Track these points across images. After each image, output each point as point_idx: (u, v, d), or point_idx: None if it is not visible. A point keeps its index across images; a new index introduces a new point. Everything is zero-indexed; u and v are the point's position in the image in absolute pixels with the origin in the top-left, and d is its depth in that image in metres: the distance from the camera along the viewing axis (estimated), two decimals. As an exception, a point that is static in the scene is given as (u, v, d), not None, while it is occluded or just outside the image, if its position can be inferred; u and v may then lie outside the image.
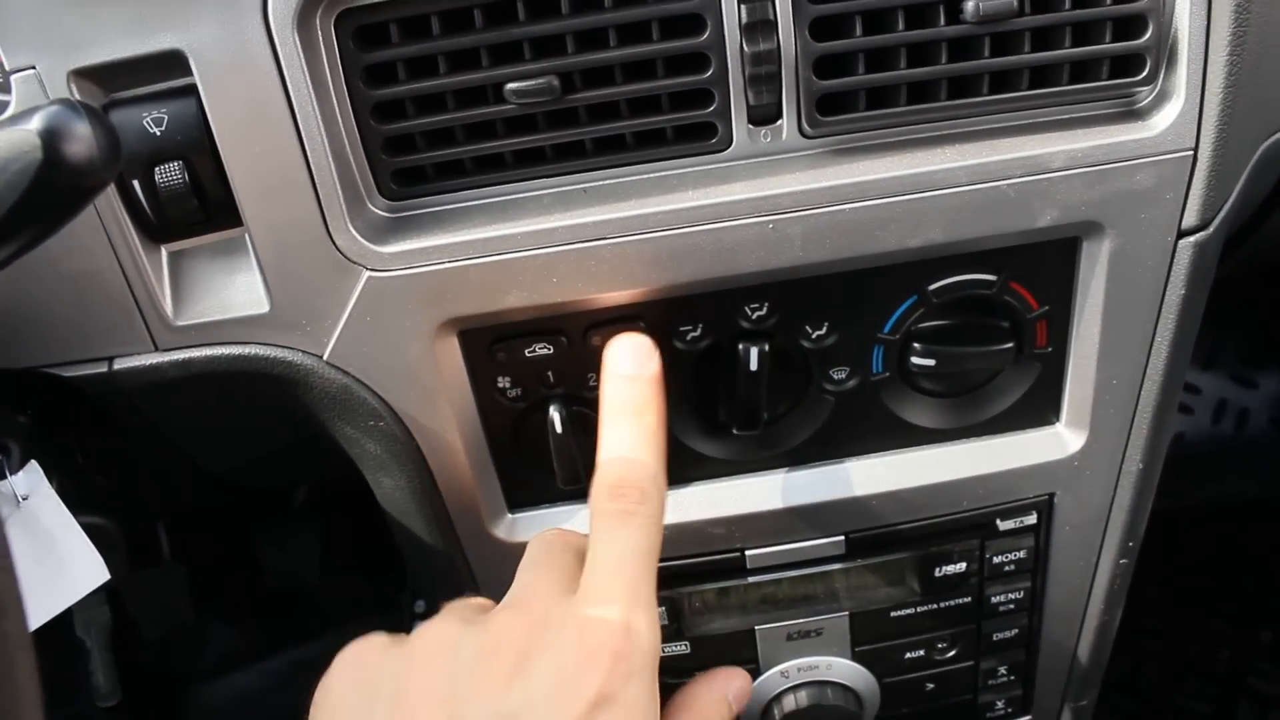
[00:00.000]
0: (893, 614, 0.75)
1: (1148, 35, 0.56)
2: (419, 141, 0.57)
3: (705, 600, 0.73)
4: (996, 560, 0.74)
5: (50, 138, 0.43)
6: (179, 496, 0.98)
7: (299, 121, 0.55)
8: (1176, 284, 0.63)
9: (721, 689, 0.62)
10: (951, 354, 0.64)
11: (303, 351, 0.62)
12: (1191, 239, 0.62)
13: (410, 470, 0.66)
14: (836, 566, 0.72)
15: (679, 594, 0.73)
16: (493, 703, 0.46)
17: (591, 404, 0.64)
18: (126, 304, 0.61)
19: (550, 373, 0.64)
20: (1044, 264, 0.63)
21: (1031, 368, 0.68)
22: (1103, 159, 0.58)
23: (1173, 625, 1.50)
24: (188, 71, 0.55)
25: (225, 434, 0.81)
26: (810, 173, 0.58)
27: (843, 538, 0.71)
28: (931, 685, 0.79)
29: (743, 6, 0.54)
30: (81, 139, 0.43)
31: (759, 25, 0.54)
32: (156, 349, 0.63)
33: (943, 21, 0.56)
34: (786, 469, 0.70)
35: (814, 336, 0.64)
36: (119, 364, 0.63)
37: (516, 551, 0.57)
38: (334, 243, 0.58)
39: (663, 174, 0.59)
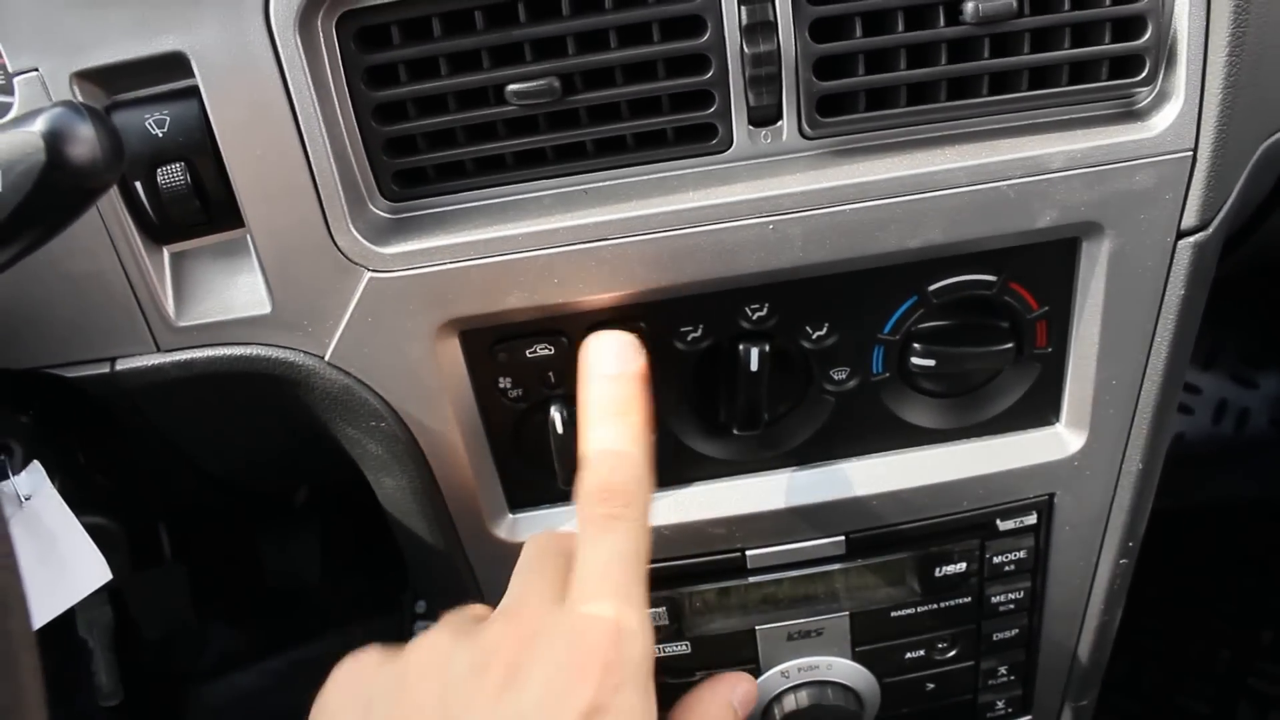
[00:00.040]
0: (893, 614, 0.75)
1: (1147, 36, 0.57)
2: (420, 143, 0.58)
3: (706, 600, 0.73)
4: (996, 560, 0.74)
5: (53, 139, 0.43)
6: (180, 497, 0.98)
7: (300, 123, 0.55)
8: (1176, 284, 0.63)
9: (726, 694, 0.62)
10: (951, 354, 0.65)
11: (304, 352, 0.62)
12: (1191, 239, 0.62)
13: (411, 470, 0.66)
14: (837, 566, 0.73)
15: (679, 594, 0.73)
16: (485, 715, 0.46)
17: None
18: (129, 305, 0.61)
19: (551, 373, 0.64)
20: (1044, 264, 0.63)
21: (1031, 368, 0.68)
22: (1102, 159, 0.58)
23: (1173, 625, 1.49)
24: (190, 73, 0.55)
25: (227, 434, 0.81)
26: (810, 174, 0.58)
27: (843, 538, 0.71)
28: (932, 685, 0.79)
29: (743, 8, 0.55)
30: (84, 141, 0.44)
31: (759, 27, 0.55)
32: (158, 350, 0.63)
33: (942, 23, 0.56)
34: (787, 469, 0.70)
35: (814, 337, 0.64)
36: (121, 364, 0.63)
37: (517, 551, 0.57)
38: (335, 244, 0.58)
39: (663, 175, 0.60)
